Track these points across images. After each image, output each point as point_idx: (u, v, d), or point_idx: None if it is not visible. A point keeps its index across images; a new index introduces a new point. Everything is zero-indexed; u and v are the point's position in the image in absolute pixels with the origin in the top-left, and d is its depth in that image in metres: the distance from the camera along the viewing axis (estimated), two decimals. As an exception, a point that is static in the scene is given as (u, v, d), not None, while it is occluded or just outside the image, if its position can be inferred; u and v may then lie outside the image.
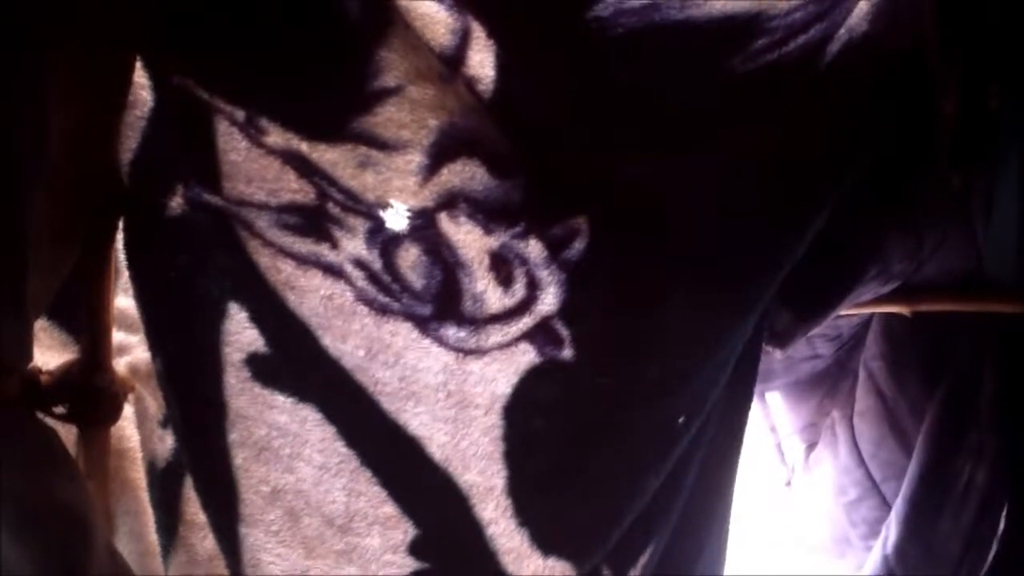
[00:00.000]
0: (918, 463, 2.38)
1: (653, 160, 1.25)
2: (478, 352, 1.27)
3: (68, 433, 1.20)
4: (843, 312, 2.12)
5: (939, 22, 1.29)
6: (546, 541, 1.34)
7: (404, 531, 1.29)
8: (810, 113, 1.27)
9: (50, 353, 1.29)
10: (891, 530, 2.43)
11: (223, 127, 1.16)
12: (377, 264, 1.22)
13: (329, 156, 1.17)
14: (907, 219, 1.75)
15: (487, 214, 1.22)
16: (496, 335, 1.27)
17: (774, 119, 1.26)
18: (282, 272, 1.21)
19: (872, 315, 2.47)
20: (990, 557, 2.28)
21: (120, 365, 1.31)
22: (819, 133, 1.29)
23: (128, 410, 1.32)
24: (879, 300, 2.09)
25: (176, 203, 1.20)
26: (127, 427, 1.35)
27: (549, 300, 1.26)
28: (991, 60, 1.41)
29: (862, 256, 1.73)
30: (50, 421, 1.16)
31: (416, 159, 1.18)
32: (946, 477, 2.32)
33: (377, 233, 1.21)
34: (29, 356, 1.09)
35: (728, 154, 1.26)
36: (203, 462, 1.29)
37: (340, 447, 1.27)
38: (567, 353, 1.29)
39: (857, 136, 1.33)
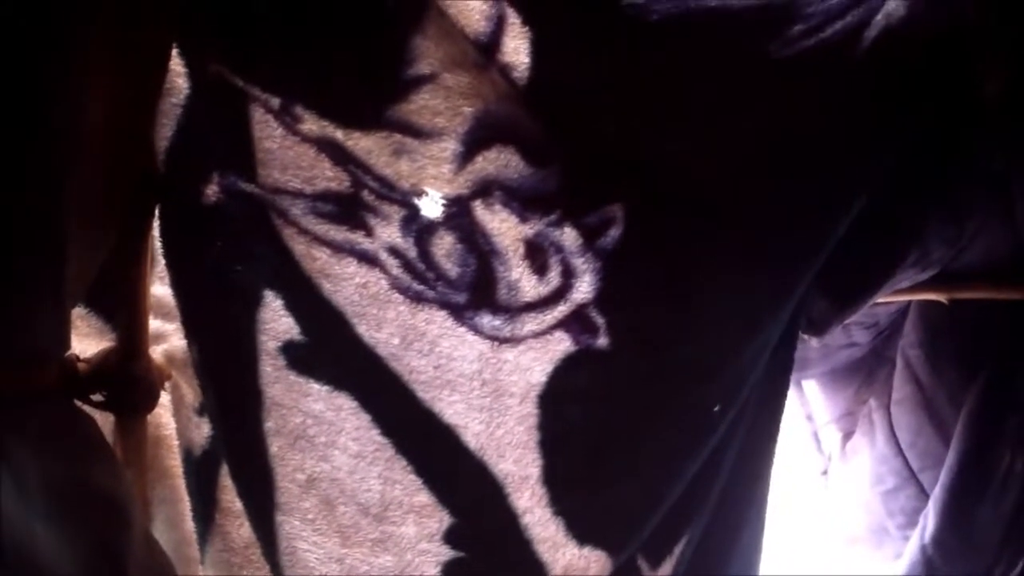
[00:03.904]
0: (957, 453, 2.36)
1: (689, 147, 1.24)
2: (513, 340, 1.27)
3: (105, 421, 1.21)
4: (880, 300, 2.11)
5: (979, 5, 1.26)
6: (581, 530, 1.34)
7: (439, 520, 1.29)
8: (848, 99, 1.25)
9: (87, 341, 1.29)
10: (929, 520, 2.42)
11: (258, 115, 1.17)
12: (412, 252, 1.22)
13: (364, 144, 1.17)
14: (947, 206, 1.73)
15: (522, 202, 1.21)
16: (531, 323, 1.26)
17: (812, 106, 1.25)
18: (317, 260, 1.22)
19: (910, 303, 2.45)
20: (1031, 547, 2.27)
21: (156, 353, 1.32)
22: (857, 119, 1.28)
23: (164, 398, 1.33)
24: (917, 287, 2.06)
25: (211, 191, 1.21)
26: (163, 415, 1.36)
27: (584, 288, 1.26)
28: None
29: (900, 243, 1.71)
30: (87, 409, 1.17)
31: (451, 147, 1.18)
32: (985, 467, 2.30)
33: (412, 221, 1.21)
34: (67, 344, 1.10)
35: (765, 141, 1.25)
36: (239, 450, 1.30)
37: (375, 435, 1.27)
38: (602, 341, 1.28)
39: (896, 122, 1.31)
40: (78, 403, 1.16)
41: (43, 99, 0.96)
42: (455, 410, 1.28)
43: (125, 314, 1.24)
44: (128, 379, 1.23)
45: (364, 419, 1.27)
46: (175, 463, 1.37)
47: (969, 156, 1.53)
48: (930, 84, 1.30)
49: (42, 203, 0.97)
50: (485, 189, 1.20)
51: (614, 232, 1.25)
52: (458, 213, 1.21)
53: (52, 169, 0.98)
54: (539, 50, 1.15)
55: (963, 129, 1.45)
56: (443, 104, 1.16)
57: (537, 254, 1.24)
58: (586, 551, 1.34)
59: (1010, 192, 1.87)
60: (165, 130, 1.20)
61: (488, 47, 1.15)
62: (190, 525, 1.37)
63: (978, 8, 1.26)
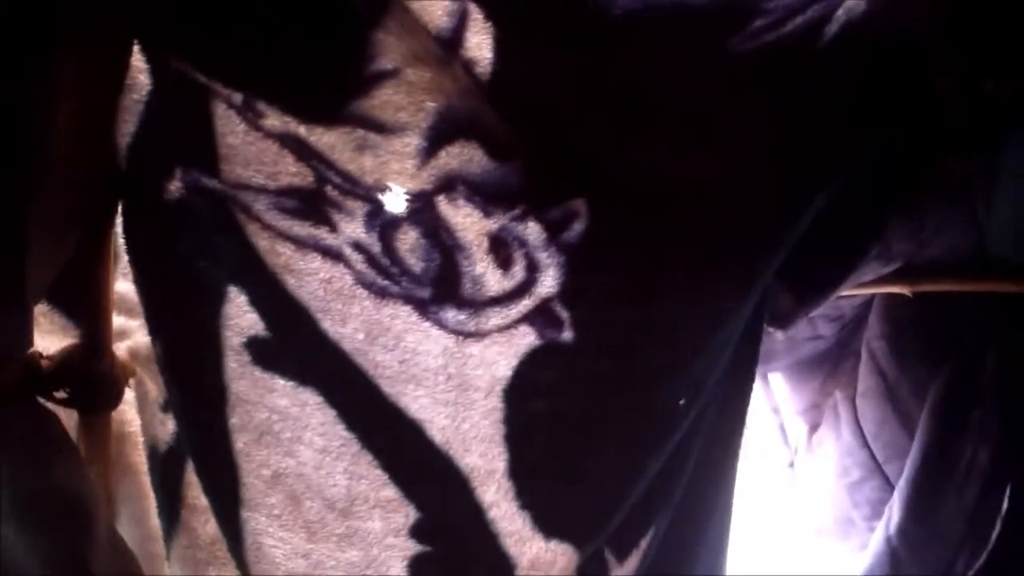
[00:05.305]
0: (921, 444, 2.39)
1: (652, 142, 1.25)
2: (478, 335, 1.27)
3: (69, 418, 1.21)
4: (844, 292, 2.12)
5: (938, 2, 1.28)
6: (548, 524, 1.34)
7: (406, 514, 1.30)
8: (809, 95, 1.26)
9: (50, 338, 1.29)
10: (894, 511, 2.44)
11: (221, 110, 1.16)
12: (376, 247, 1.22)
13: (327, 139, 1.17)
14: (908, 200, 1.75)
15: (485, 197, 1.22)
16: (496, 318, 1.26)
17: (773, 101, 1.25)
18: (281, 255, 1.21)
19: (874, 296, 2.47)
20: (993, 537, 2.29)
21: (120, 349, 1.31)
22: (818, 115, 1.28)
23: (129, 394, 1.33)
24: (881, 280, 2.08)
25: (174, 187, 1.20)
26: (128, 411, 1.35)
27: (548, 282, 1.26)
28: (990, 41, 1.40)
29: (862, 237, 1.72)
30: (51, 406, 1.16)
31: (414, 142, 1.18)
32: (949, 457, 2.32)
33: (376, 216, 1.21)
34: (29, 342, 1.10)
35: (727, 136, 1.26)
36: (204, 446, 1.30)
37: (341, 430, 1.27)
38: (567, 335, 1.29)
39: (857, 117, 1.32)
40: (41, 400, 1.16)
41: (9, 103, 0.95)
42: (420, 404, 1.28)
43: (88, 311, 1.23)
44: (92, 376, 1.23)
45: (330, 414, 1.27)
46: (140, 459, 1.37)
47: (930, 153, 1.55)
48: (891, 81, 1.31)
49: (6, 207, 0.97)
50: (449, 184, 1.20)
51: (578, 227, 1.26)
52: (422, 208, 1.21)
53: (16, 171, 0.98)
54: (502, 46, 1.15)
55: (924, 128, 1.47)
56: (406, 99, 1.16)
57: (501, 248, 1.24)
58: (553, 544, 1.35)
59: (971, 189, 1.89)
60: (127, 127, 1.19)
61: (450, 42, 1.15)
62: (155, 522, 1.36)
63: (933, 9, 1.27)
